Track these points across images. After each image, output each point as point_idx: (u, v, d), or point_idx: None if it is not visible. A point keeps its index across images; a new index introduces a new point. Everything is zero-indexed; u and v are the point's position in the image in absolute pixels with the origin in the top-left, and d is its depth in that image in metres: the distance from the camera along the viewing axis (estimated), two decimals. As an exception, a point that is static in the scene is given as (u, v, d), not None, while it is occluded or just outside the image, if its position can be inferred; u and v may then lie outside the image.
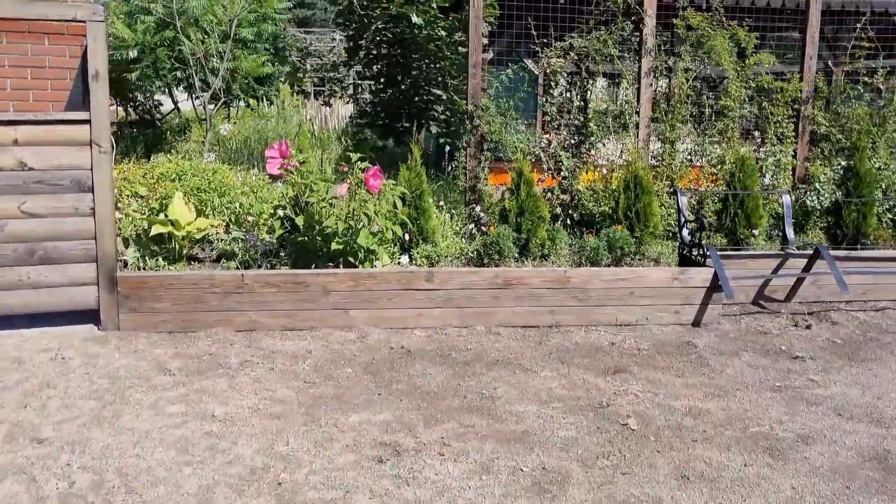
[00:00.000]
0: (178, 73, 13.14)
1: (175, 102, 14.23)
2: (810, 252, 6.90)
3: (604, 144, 7.97)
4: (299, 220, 5.76)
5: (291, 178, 5.91)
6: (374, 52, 8.64)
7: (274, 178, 6.05)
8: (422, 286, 5.60)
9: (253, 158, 11.02)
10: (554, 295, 5.94)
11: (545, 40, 7.68)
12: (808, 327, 6.41)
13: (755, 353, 5.77)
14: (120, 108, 15.64)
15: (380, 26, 8.18)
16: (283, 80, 13.31)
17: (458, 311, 5.81)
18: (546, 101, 7.76)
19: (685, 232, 6.97)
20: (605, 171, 7.94)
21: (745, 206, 7.39)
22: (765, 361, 5.58)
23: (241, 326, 5.46)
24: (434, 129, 8.93)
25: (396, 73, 8.89)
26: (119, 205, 6.82)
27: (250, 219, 6.80)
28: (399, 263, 6.23)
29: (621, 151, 7.93)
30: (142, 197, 7.74)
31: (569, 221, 7.73)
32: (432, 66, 8.75)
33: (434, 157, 8.89)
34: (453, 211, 7.91)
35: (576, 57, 7.67)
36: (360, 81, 10.01)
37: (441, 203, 7.79)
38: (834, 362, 5.60)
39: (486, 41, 8.74)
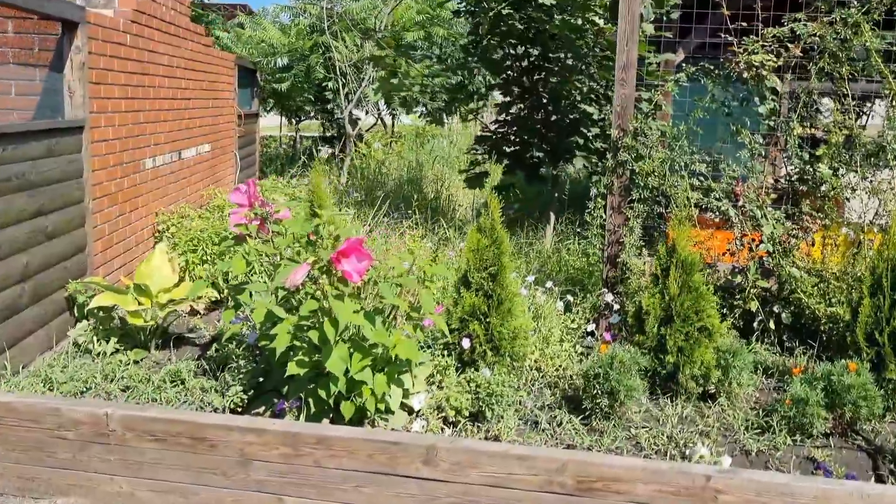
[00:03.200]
0: (331, 84, 11.41)
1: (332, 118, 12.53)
2: None
3: (846, 199, 4.74)
4: (255, 317, 3.37)
5: (249, 245, 3.54)
6: (498, 50, 6.07)
7: (238, 239, 3.74)
8: (415, 472, 2.95)
9: (396, 193, 8.86)
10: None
11: (747, 24, 4.64)
12: None
13: None
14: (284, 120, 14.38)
15: (503, 11, 5.59)
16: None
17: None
18: (743, 126, 4.70)
19: None
20: (842, 240, 4.71)
21: None
22: None
23: (107, 501, 3.18)
24: (578, 164, 6.16)
25: (529, 80, 6.20)
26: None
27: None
28: (409, 413, 3.64)
29: (876, 213, 4.65)
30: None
31: (772, 326, 4.61)
32: (581, 71, 5.99)
33: (580, 203, 6.11)
34: (577, 297, 5.09)
35: (799, 53, 4.54)
36: (483, 90, 7.46)
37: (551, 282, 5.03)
38: None
39: (653, 31, 5.79)
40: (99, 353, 4.40)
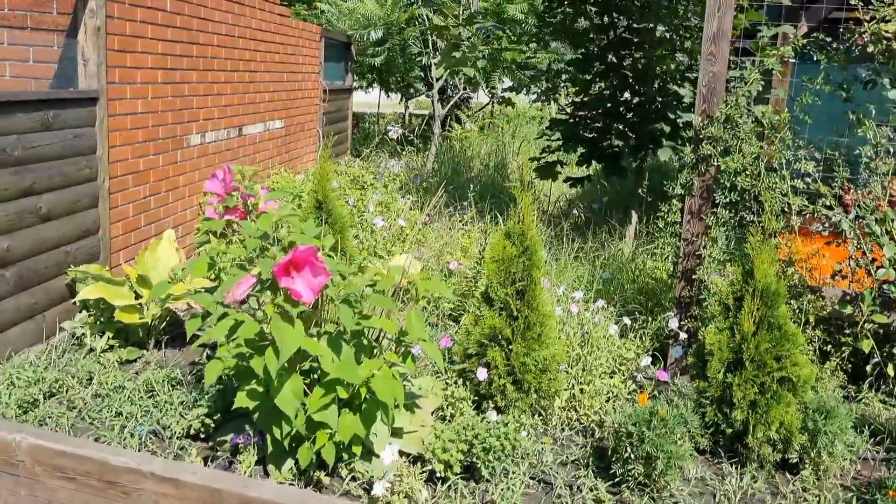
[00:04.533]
0: (425, 60, 10.75)
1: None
2: None
3: None
4: (213, 334, 2.78)
5: (213, 244, 2.94)
6: (579, 19, 5.14)
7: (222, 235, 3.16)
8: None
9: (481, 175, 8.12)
10: None
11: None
12: None
13: None
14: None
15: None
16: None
17: None
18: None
19: None
20: None
21: None
22: None
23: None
24: (663, 155, 5.17)
25: (614, 55, 5.23)
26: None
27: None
28: (402, 456, 2.95)
29: None
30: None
31: (890, 372, 3.62)
32: (672, 45, 4.99)
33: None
34: (645, 317, 4.24)
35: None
36: (553, 64, 6.47)
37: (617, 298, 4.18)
38: None
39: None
40: (92, 350, 3.98)
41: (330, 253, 2.76)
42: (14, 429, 2.63)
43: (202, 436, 3.15)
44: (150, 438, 3.15)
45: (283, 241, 2.52)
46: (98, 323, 4.10)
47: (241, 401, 2.69)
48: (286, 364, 2.65)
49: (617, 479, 2.86)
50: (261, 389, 2.69)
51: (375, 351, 3.00)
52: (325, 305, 2.73)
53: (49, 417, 3.27)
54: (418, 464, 2.95)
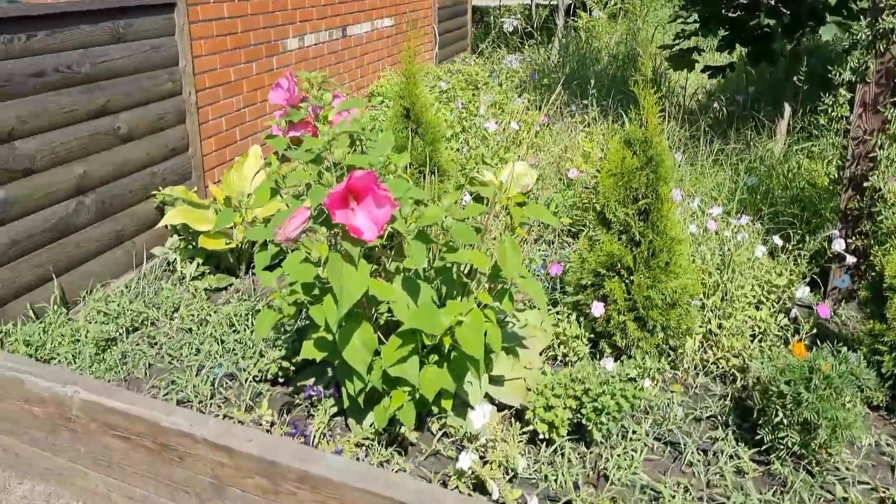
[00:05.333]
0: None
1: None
2: None
3: None
4: (287, 269, 2.40)
5: (274, 167, 2.52)
6: None
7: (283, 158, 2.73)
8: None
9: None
10: None
11: None
12: None
13: None
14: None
15: None
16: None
17: None
18: None
19: None
20: None
21: None
22: None
23: (85, 500, 2.48)
24: (827, 32, 4.18)
25: None
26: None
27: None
28: (500, 410, 2.51)
29: None
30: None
31: None
32: None
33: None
34: (803, 234, 3.54)
35: None
36: None
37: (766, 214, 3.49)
38: None
39: None
40: (182, 278, 3.76)
41: (403, 175, 2.28)
42: (68, 380, 2.38)
43: (281, 379, 2.84)
44: (225, 383, 2.87)
45: (341, 164, 2.05)
46: (188, 248, 3.86)
47: (308, 352, 2.32)
48: (357, 310, 2.24)
49: (765, 447, 2.31)
50: (329, 338, 2.31)
51: (472, 286, 2.53)
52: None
53: (126, 357, 3.05)
54: (518, 423, 2.51)
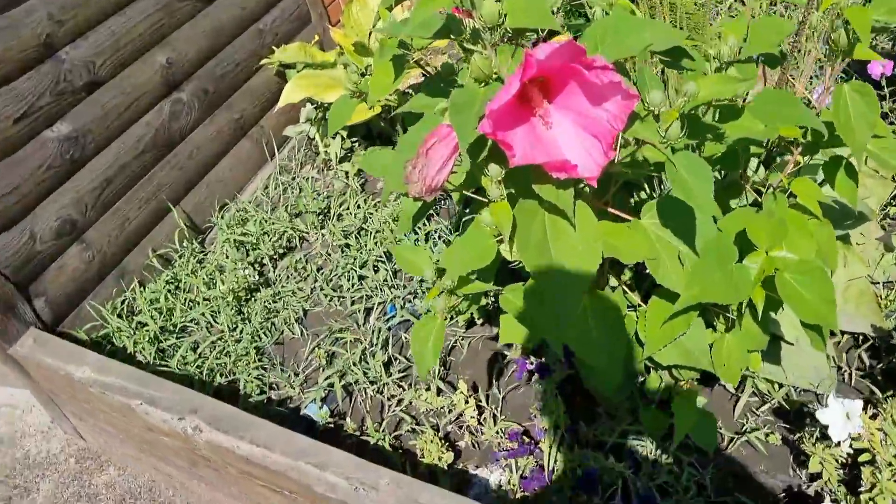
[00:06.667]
0: None
1: None
2: None
3: None
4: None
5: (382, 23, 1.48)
6: None
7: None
8: None
9: None
10: None
11: None
12: None
13: None
14: None
15: None
16: None
17: None
18: None
19: None
20: None
21: None
22: None
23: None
24: None
25: None
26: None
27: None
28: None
29: None
30: None
31: None
32: None
33: None
34: None
35: None
36: None
37: None
38: None
39: None
40: (327, 162, 2.93)
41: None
42: (185, 406, 1.66)
43: (479, 321, 1.98)
44: (403, 339, 2.05)
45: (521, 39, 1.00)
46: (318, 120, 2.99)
47: (507, 335, 1.41)
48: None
49: None
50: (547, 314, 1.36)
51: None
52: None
53: (271, 309, 2.31)
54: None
